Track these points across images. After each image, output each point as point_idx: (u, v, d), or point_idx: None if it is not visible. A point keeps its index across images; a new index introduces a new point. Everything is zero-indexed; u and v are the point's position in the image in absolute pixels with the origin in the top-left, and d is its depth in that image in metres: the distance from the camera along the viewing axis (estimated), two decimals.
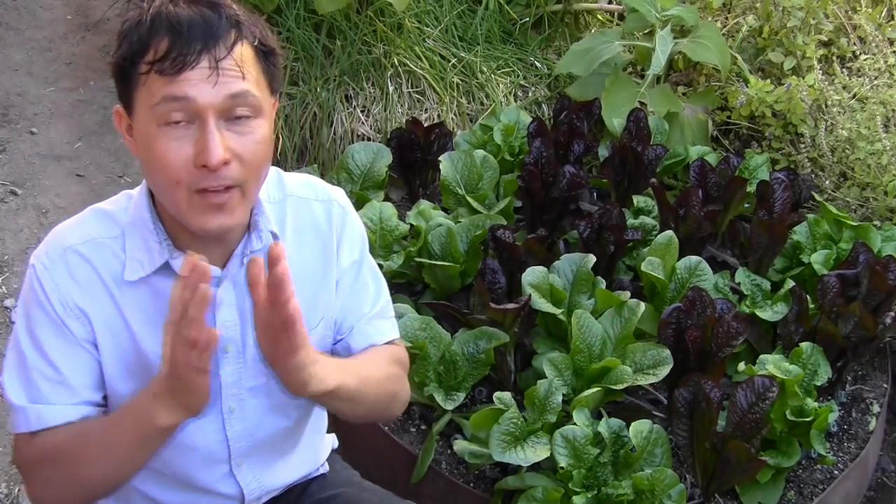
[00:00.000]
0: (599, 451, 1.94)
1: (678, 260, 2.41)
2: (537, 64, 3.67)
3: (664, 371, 2.09)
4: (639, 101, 3.07)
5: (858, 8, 3.28)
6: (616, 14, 3.88)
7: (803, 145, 2.98)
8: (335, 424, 1.70)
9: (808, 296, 2.36)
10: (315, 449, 1.64)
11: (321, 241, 1.46)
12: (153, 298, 1.35)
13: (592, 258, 2.33)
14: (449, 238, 2.43)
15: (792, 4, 3.20)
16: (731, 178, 2.70)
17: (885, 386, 2.44)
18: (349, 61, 3.44)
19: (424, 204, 2.61)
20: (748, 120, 3.19)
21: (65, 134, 3.57)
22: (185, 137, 1.22)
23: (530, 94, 3.55)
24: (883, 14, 3.28)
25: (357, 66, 3.44)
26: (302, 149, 3.40)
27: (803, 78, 3.04)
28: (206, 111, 1.21)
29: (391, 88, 3.40)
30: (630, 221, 2.60)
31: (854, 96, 2.96)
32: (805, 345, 2.21)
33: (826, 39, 3.24)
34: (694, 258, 2.41)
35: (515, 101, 3.48)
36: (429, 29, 3.57)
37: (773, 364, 2.10)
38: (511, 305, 2.15)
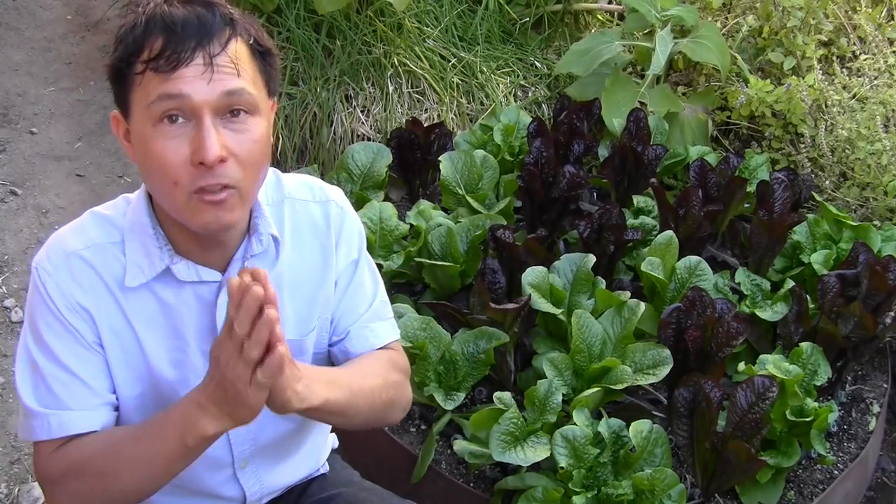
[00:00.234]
0: (599, 451, 1.94)
1: (678, 260, 2.41)
2: (537, 64, 3.67)
3: (664, 371, 2.09)
4: (639, 101, 3.07)
5: (858, 8, 3.28)
6: (616, 14, 3.88)
7: (803, 145, 2.98)
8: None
9: (808, 296, 2.36)
10: (317, 450, 1.64)
11: (320, 242, 1.46)
12: (156, 304, 1.35)
13: (592, 258, 2.33)
14: (449, 238, 2.43)
15: (792, 4, 3.20)
16: (731, 178, 2.70)
17: (885, 386, 2.44)
18: (349, 61, 3.44)
19: (424, 204, 2.61)
20: (748, 120, 3.19)
21: (65, 134, 3.57)
22: (181, 136, 1.22)
23: (530, 94, 3.55)
24: (883, 14, 3.28)
25: (357, 66, 3.44)
26: (302, 149, 3.40)
27: (803, 78, 3.04)
28: (202, 108, 1.21)
29: (391, 88, 3.40)
30: (630, 221, 2.60)
31: (854, 96, 2.96)
32: (805, 345, 2.21)
33: (826, 39, 3.24)
34: (694, 258, 2.41)
35: (515, 101, 3.48)
36: (429, 29, 3.57)
37: (773, 364, 2.10)
38: (511, 305, 2.15)
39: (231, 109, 1.24)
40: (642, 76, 3.30)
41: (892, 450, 2.61)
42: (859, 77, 3.03)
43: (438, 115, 3.37)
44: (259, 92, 1.27)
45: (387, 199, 2.76)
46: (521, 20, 3.76)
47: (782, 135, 3.10)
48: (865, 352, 2.39)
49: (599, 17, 3.92)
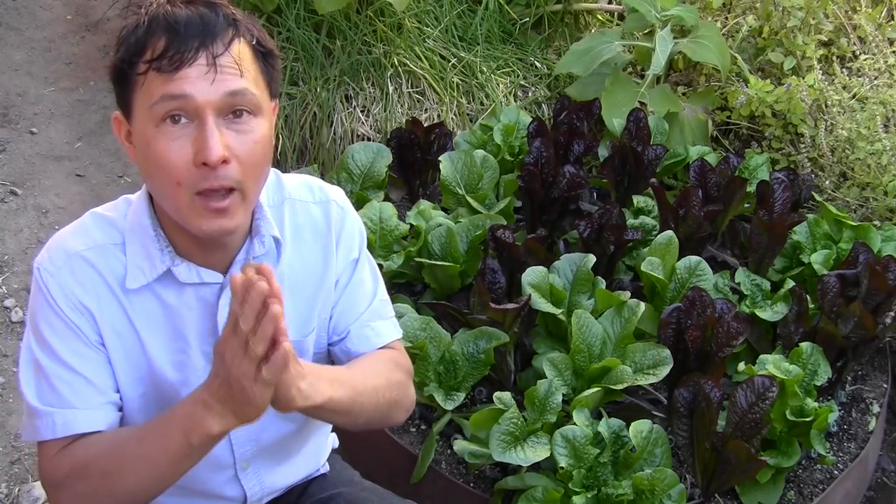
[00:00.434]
0: (599, 451, 1.94)
1: (678, 260, 2.41)
2: (537, 64, 3.67)
3: (664, 371, 2.09)
4: (639, 101, 3.07)
5: (858, 8, 3.28)
6: (616, 14, 3.88)
7: (803, 145, 2.98)
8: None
9: (808, 296, 2.36)
10: (318, 450, 1.64)
11: (321, 243, 1.46)
12: (158, 305, 1.35)
13: (592, 258, 2.33)
14: (449, 238, 2.43)
15: (792, 4, 3.20)
16: (731, 178, 2.70)
17: (885, 386, 2.44)
18: (349, 61, 3.44)
19: (424, 204, 2.61)
20: (748, 120, 3.19)
21: (65, 134, 3.57)
22: (183, 137, 1.22)
23: (530, 94, 3.55)
24: (883, 14, 3.28)
25: (357, 66, 3.44)
26: (302, 149, 3.41)
27: (803, 78, 3.04)
28: (205, 109, 1.21)
29: (391, 88, 3.40)
30: (630, 221, 2.60)
31: (854, 96, 2.96)
32: (805, 345, 2.21)
33: (826, 39, 3.24)
34: (694, 258, 2.41)
35: (515, 101, 3.48)
36: (429, 29, 3.57)
37: (773, 364, 2.10)
38: (511, 305, 2.15)
39: (234, 110, 1.24)
40: (642, 76, 3.30)
41: (892, 450, 2.61)
42: (859, 77, 3.03)
43: (438, 115, 3.37)
44: (261, 93, 1.27)
45: (387, 199, 2.76)
46: (521, 20, 3.76)
47: (782, 135, 3.10)
48: (865, 352, 2.39)
49: (599, 17, 3.92)
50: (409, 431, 2.18)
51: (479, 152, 2.78)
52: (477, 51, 3.57)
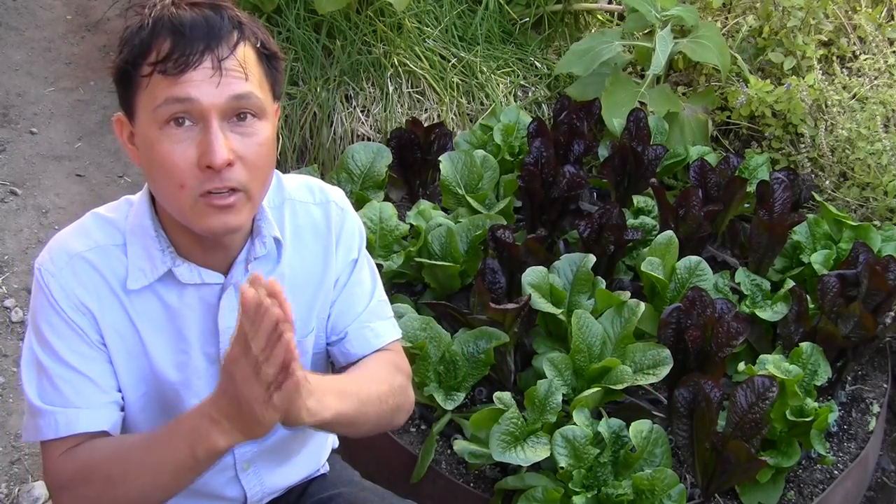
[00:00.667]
0: (599, 451, 1.94)
1: (678, 260, 2.41)
2: (537, 64, 3.67)
3: (664, 371, 2.09)
4: (639, 101, 3.07)
5: (858, 8, 3.28)
6: (616, 14, 3.88)
7: (803, 145, 2.98)
8: None
9: (808, 296, 2.36)
10: (318, 450, 1.64)
11: (322, 244, 1.46)
12: (160, 306, 1.35)
13: (592, 258, 2.33)
14: (449, 238, 2.43)
15: (792, 4, 3.20)
16: (731, 178, 2.70)
17: (885, 386, 2.44)
18: (349, 61, 3.44)
19: (424, 204, 2.61)
20: (748, 120, 3.19)
21: (65, 134, 3.57)
22: (188, 140, 1.22)
23: (530, 94, 3.55)
24: (883, 14, 3.28)
25: (357, 66, 3.44)
26: (302, 149, 3.41)
27: (803, 78, 3.04)
28: (210, 112, 1.21)
29: (391, 88, 3.40)
30: (630, 221, 2.60)
31: (854, 96, 2.96)
32: (805, 345, 2.21)
33: (826, 39, 3.24)
34: (694, 258, 2.41)
35: (515, 101, 3.48)
36: (429, 29, 3.57)
37: (773, 364, 2.10)
38: (511, 305, 2.15)
39: (238, 113, 1.23)
40: (642, 76, 3.30)
41: (892, 450, 2.61)
42: (859, 77, 3.03)
43: (438, 115, 3.37)
44: (265, 95, 1.27)
45: (387, 199, 2.76)
46: (521, 20, 3.76)
47: (782, 135, 3.10)
48: (865, 352, 2.39)
49: (599, 17, 3.93)
50: (409, 431, 2.18)
51: (479, 152, 2.78)
52: (477, 51, 3.57)
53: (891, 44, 3.12)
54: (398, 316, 2.09)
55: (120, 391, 1.35)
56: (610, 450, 1.95)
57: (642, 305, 2.21)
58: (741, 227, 2.70)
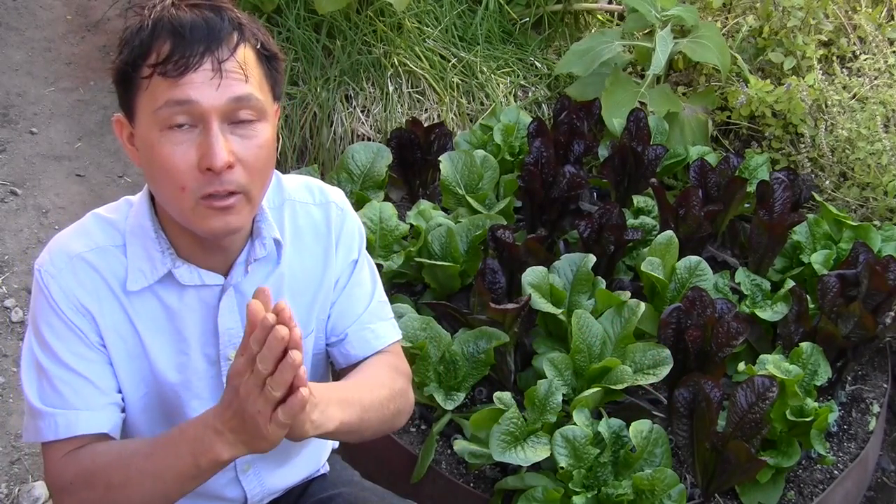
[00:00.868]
0: (599, 451, 1.94)
1: (678, 260, 2.41)
2: (537, 64, 3.67)
3: (664, 371, 2.09)
4: (639, 101, 3.07)
5: (858, 8, 3.28)
6: (616, 14, 3.88)
7: (803, 145, 2.98)
8: None
9: (808, 296, 2.36)
10: (318, 450, 1.64)
11: (322, 245, 1.46)
12: (160, 307, 1.35)
13: (592, 258, 2.33)
14: (449, 238, 2.43)
15: (792, 4, 3.20)
16: (731, 178, 2.70)
17: (885, 386, 2.44)
18: (349, 61, 3.44)
19: (424, 204, 2.61)
20: (748, 120, 3.19)
21: (65, 134, 3.57)
22: (188, 142, 1.22)
23: (530, 94, 3.55)
24: (883, 14, 3.29)
25: (357, 66, 3.44)
26: (302, 149, 3.41)
27: (803, 78, 3.04)
28: (210, 114, 1.21)
29: (391, 88, 3.40)
30: (630, 221, 2.60)
31: (854, 96, 2.97)
32: (805, 345, 2.21)
33: (826, 39, 3.24)
34: (694, 258, 2.41)
35: (515, 101, 3.48)
36: (429, 29, 3.57)
37: (773, 364, 2.10)
38: (511, 305, 2.15)
39: (238, 115, 1.23)
40: (642, 76, 3.30)
41: (892, 450, 2.61)
42: (859, 77, 3.03)
43: (438, 115, 3.37)
44: (265, 97, 1.27)
45: (387, 199, 2.76)
46: (521, 20, 3.77)
47: (782, 135, 3.10)
48: (865, 352, 2.39)
49: (599, 17, 3.92)
50: (409, 431, 2.18)
51: (479, 152, 2.78)
52: (477, 51, 3.57)
53: (891, 44, 3.12)
54: (398, 316, 2.09)
55: (120, 392, 1.35)
56: (610, 450, 1.95)
57: (642, 305, 2.21)
58: (741, 227, 2.70)
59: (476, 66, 3.51)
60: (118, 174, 3.44)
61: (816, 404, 2.10)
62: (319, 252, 1.45)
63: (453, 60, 3.51)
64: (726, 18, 3.50)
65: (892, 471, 2.57)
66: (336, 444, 1.74)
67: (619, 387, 2.04)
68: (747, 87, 3.10)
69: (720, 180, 2.69)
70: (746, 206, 2.75)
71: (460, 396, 2.11)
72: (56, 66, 3.89)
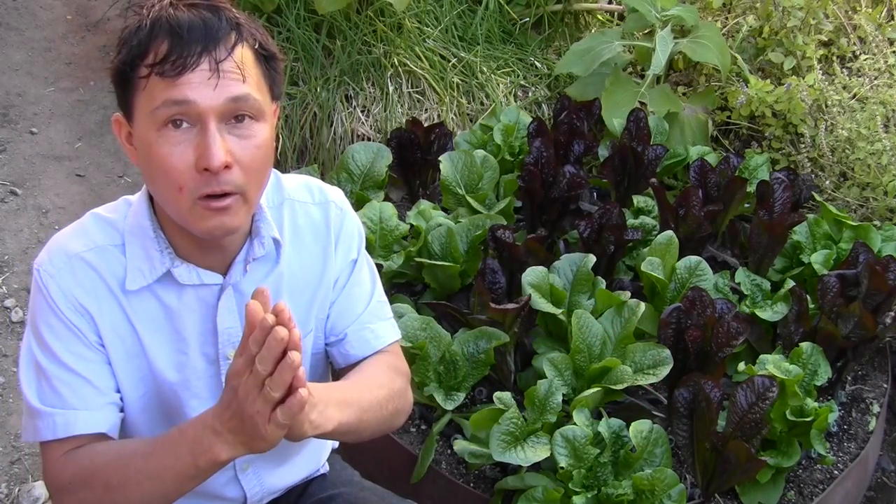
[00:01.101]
0: (599, 451, 1.94)
1: (678, 260, 2.41)
2: (537, 64, 3.67)
3: (664, 371, 2.09)
4: (639, 101, 3.07)
5: (858, 8, 3.28)
6: (616, 14, 3.88)
7: (803, 145, 2.98)
8: None
9: (808, 296, 2.36)
10: (318, 450, 1.64)
11: (321, 245, 1.46)
12: (159, 307, 1.35)
13: (592, 258, 2.33)
14: (449, 238, 2.43)
15: (792, 4, 3.20)
16: (731, 178, 2.70)
17: (885, 386, 2.44)
18: (349, 61, 3.44)
19: (424, 204, 2.61)
20: (748, 120, 3.19)
21: (65, 134, 3.57)
22: (185, 142, 1.22)
23: (530, 94, 3.55)
24: (883, 14, 3.28)
25: (357, 66, 3.44)
26: (302, 149, 3.41)
27: (803, 78, 3.04)
28: (207, 114, 1.21)
29: (391, 88, 3.40)
30: (630, 221, 2.60)
31: (854, 96, 2.96)
32: (805, 345, 2.21)
33: (826, 39, 3.24)
34: (694, 258, 2.41)
35: (515, 101, 3.48)
36: (429, 29, 3.57)
37: (773, 364, 2.10)
38: (511, 305, 2.15)
39: (236, 115, 1.23)
40: (642, 76, 3.30)
41: (892, 450, 2.61)
42: (859, 77, 3.03)
43: (438, 115, 3.37)
44: (263, 97, 1.27)
45: (387, 199, 2.76)
46: (521, 20, 3.76)
47: (782, 135, 3.10)
48: (865, 352, 2.39)
49: (599, 17, 3.92)
50: (409, 431, 2.18)
51: (479, 152, 2.78)
52: (477, 51, 3.57)
53: (891, 44, 3.12)
54: (398, 316, 2.10)
55: (118, 392, 1.35)
56: (610, 450, 1.95)
57: (642, 305, 2.21)
58: (741, 227, 2.70)
59: (476, 66, 3.51)
60: (118, 174, 3.44)
61: (816, 404, 2.10)
62: (319, 251, 1.45)
63: (453, 60, 3.51)
64: (726, 18, 3.50)
65: (892, 471, 2.57)
66: (336, 444, 1.73)
67: (619, 387, 2.04)
68: (747, 87, 3.10)
69: (720, 180, 2.69)
70: (746, 206, 2.75)
71: (460, 396, 2.11)
72: (56, 66, 3.89)
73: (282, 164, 3.33)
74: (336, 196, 1.49)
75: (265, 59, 1.29)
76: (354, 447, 1.94)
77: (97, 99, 3.75)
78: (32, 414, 1.31)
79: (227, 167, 1.22)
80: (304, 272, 1.44)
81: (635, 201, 2.73)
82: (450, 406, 2.10)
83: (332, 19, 3.48)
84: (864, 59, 3.07)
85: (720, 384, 1.99)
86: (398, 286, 2.51)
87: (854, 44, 3.20)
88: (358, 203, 2.59)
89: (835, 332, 2.25)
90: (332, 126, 3.35)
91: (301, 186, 1.47)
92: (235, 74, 1.22)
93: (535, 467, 1.97)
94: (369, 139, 3.30)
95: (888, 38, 3.13)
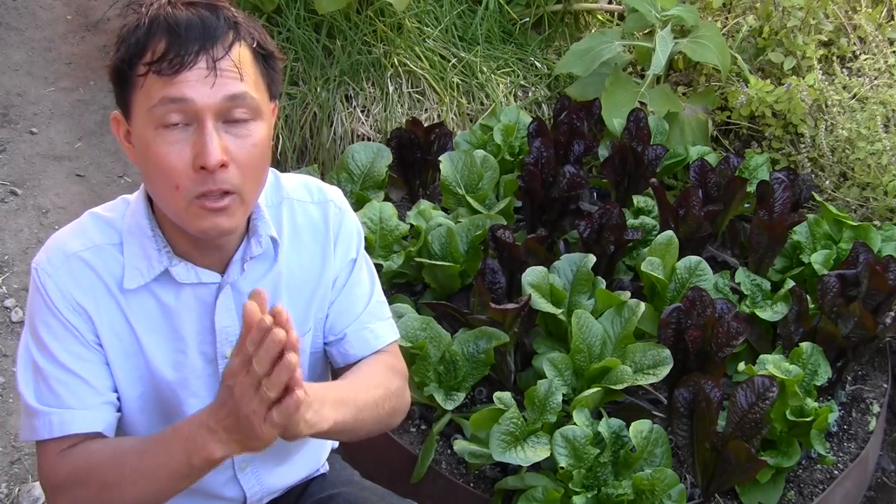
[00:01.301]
0: (599, 451, 1.94)
1: (678, 260, 2.41)
2: (537, 64, 3.67)
3: (664, 371, 2.09)
4: (639, 101, 3.07)
5: (858, 8, 3.28)
6: (616, 14, 3.88)
7: (803, 145, 2.98)
8: None
9: (808, 296, 2.36)
10: (317, 450, 1.64)
11: (320, 244, 1.46)
12: (156, 306, 1.34)
13: (592, 258, 2.33)
14: (449, 238, 2.43)
15: (792, 4, 3.20)
16: (731, 178, 2.70)
17: (885, 386, 2.44)
18: (349, 61, 3.44)
19: (424, 204, 2.61)
20: (748, 120, 3.19)
21: (65, 134, 3.57)
22: (182, 141, 1.22)
23: (530, 94, 3.55)
24: (883, 14, 3.28)
25: (357, 66, 3.44)
26: (302, 149, 3.41)
27: (803, 78, 3.04)
28: (204, 113, 1.21)
29: (391, 88, 3.40)
30: (630, 221, 2.60)
31: (854, 96, 2.96)
32: (805, 345, 2.21)
33: (826, 39, 3.24)
34: (694, 258, 2.41)
35: (515, 101, 3.48)
36: (429, 29, 3.57)
37: (773, 364, 2.10)
38: (511, 305, 2.15)
39: (233, 113, 1.23)
40: (642, 76, 3.30)
41: (892, 450, 2.61)
42: (859, 77, 3.03)
43: (438, 115, 3.37)
44: (261, 96, 1.27)
45: (387, 199, 2.76)
46: (521, 20, 3.77)
47: (782, 135, 3.10)
48: (865, 352, 2.39)
49: (599, 17, 3.93)
50: (409, 431, 2.18)
51: (479, 152, 2.78)
52: (477, 51, 3.57)
53: (891, 44, 3.12)
54: (398, 316, 2.10)
55: (116, 392, 1.35)
56: (610, 450, 1.95)
57: (642, 305, 2.21)
58: (741, 227, 2.70)
59: (476, 66, 3.51)
60: (118, 174, 3.44)
61: (816, 404, 2.10)
62: (317, 251, 1.45)
63: (453, 60, 3.51)
64: (726, 18, 3.50)
65: (892, 471, 2.57)
66: (336, 443, 1.73)
67: (619, 387, 2.04)
68: (747, 87, 3.09)
69: (720, 180, 2.69)
70: (746, 206, 2.75)
71: (460, 396, 2.11)
72: (56, 66, 3.89)
73: (282, 164, 3.33)
74: (335, 195, 1.49)
75: (263, 58, 1.29)
76: (354, 447, 1.94)
77: (97, 99, 3.75)
78: (30, 413, 1.31)
79: (223, 166, 1.22)
80: (302, 271, 1.44)
81: (635, 201, 2.73)
82: (450, 406, 2.10)
83: (332, 19, 3.48)
84: (864, 59, 3.07)
85: (720, 384, 1.99)
86: (398, 286, 2.51)
87: (854, 44, 3.20)
88: (358, 203, 2.59)
89: (835, 332, 2.25)
90: (332, 126, 3.35)
91: (300, 186, 1.47)
92: (233, 73, 1.22)
93: (535, 467, 1.97)
94: (369, 139, 3.30)
95: (888, 38, 3.13)
